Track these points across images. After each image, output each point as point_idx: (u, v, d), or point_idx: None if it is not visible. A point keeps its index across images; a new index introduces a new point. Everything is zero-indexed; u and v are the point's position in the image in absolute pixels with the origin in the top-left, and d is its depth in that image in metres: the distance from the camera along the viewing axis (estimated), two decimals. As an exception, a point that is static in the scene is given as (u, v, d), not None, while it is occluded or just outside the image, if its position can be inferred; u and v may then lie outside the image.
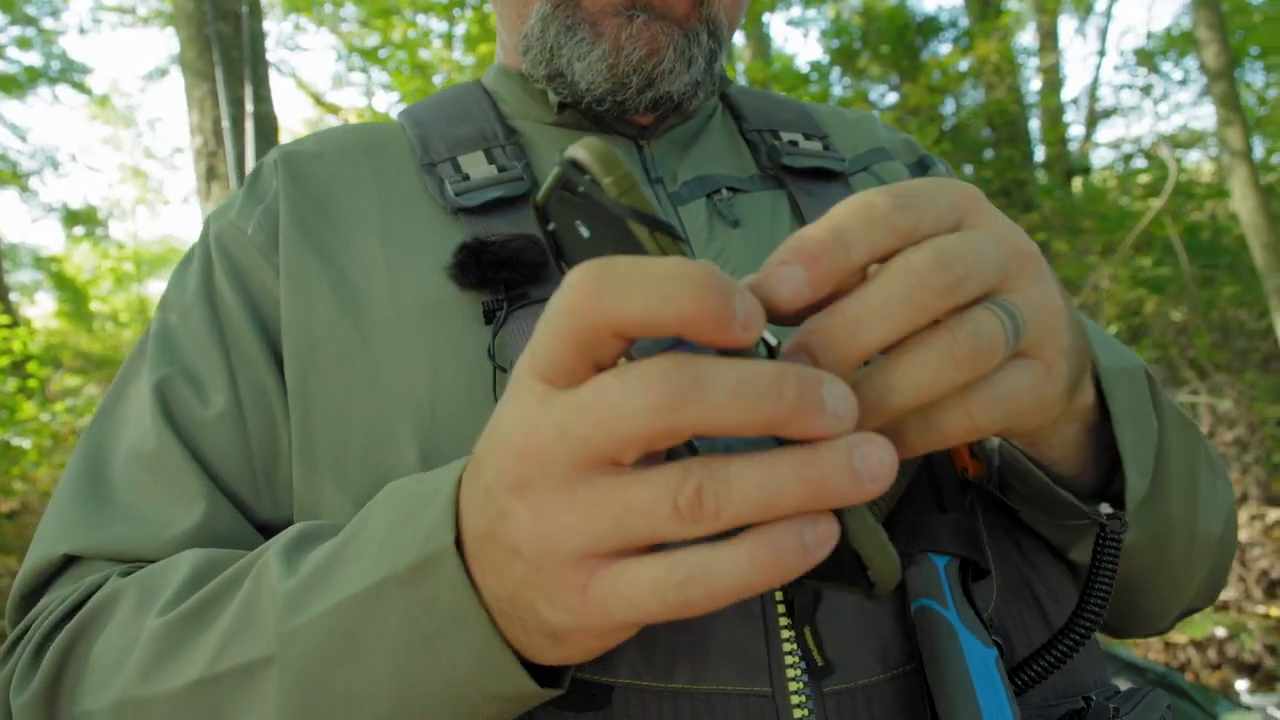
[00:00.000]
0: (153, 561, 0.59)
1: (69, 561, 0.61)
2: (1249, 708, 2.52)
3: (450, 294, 0.62)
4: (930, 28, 8.78)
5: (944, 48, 8.84)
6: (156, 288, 14.93)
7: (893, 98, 8.89)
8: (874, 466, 0.30)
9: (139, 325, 11.70)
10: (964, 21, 8.53)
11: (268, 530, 0.62)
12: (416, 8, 8.79)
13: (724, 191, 0.71)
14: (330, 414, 0.61)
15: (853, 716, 0.49)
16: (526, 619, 0.38)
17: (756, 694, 0.49)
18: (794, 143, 0.76)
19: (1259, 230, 4.03)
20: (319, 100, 11.76)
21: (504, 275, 0.60)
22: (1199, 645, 3.67)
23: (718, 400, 0.30)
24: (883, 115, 8.37)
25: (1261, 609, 3.86)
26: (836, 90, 9.24)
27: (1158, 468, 0.55)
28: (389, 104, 11.90)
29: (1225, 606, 3.85)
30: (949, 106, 8.06)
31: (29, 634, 0.58)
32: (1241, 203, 4.07)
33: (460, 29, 8.30)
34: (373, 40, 10.07)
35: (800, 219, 0.72)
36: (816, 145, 0.77)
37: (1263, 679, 3.48)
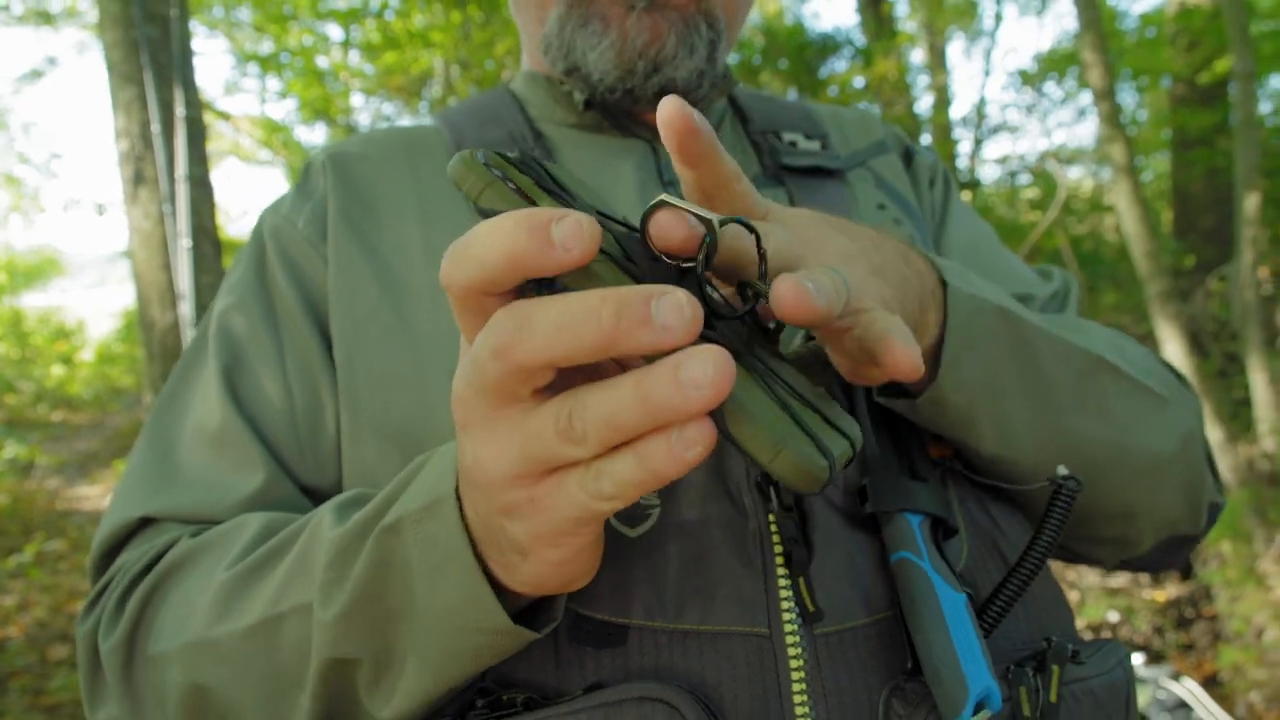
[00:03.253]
0: (219, 523, 0.62)
1: (144, 523, 0.67)
2: (1143, 680, 2.69)
3: None
4: (828, 46, 9.05)
5: (841, 64, 9.13)
6: (34, 300, 14.15)
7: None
8: (697, 376, 0.32)
9: (13, 341, 11.08)
10: (860, 40, 8.83)
11: (313, 495, 0.67)
12: (316, 15, 8.62)
13: None
14: (375, 388, 0.66)
15: (841, 655, 0.55)
16: (499, 539, 0.43)
17: (757, 634, 0.54)
18: (794, 143, 0.81)
19: (1140, 240, 4.29)
20: (209, 107, 11.40)
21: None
22: (1095, 628, 3.88)
23: (541, 335, 0.34)
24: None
25: (1148, 594, 4.11)
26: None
27: (1037, 378, 0.62)
28: (286, 112, 11.60)
29: (1117, 592, 4.07)
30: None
31: (111, 585, 0.64)
32: (1126, 213, 4.32)
33: (386, 33, 8.17)
34: (268, 46, 9.82)
35: None
36: (815, 145, 0.82)
37: (1153, 657, 3.71)
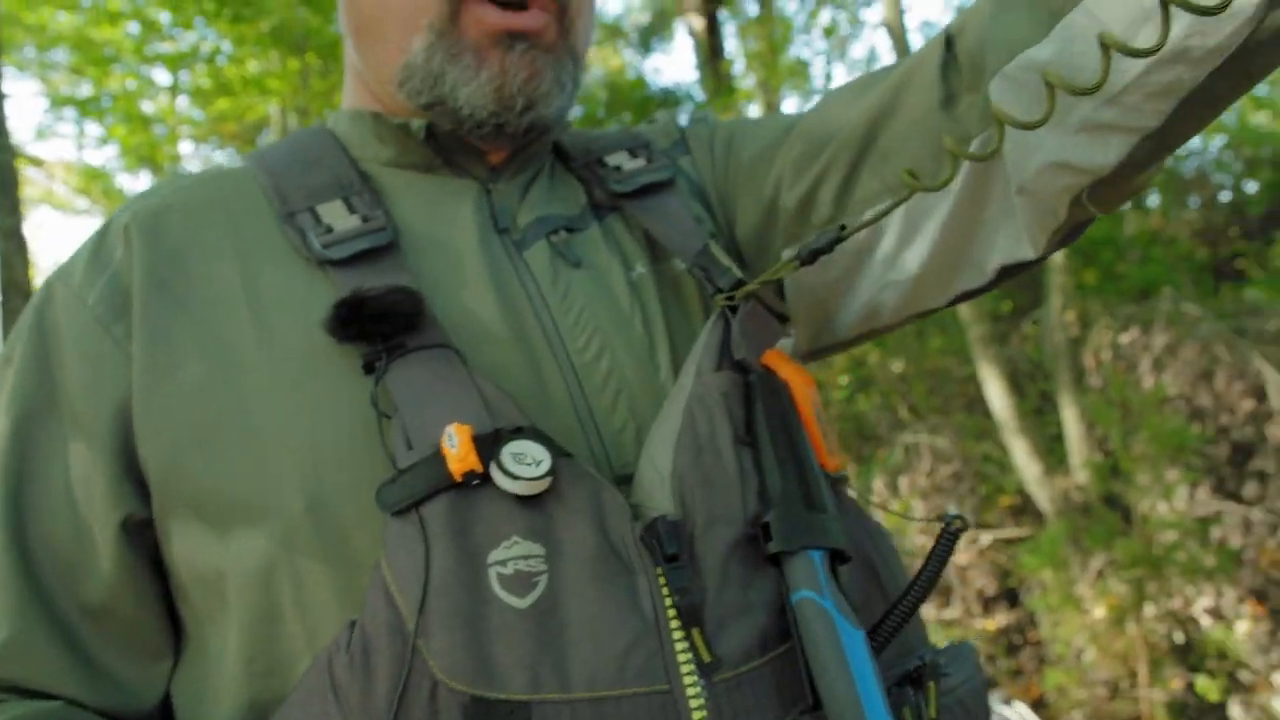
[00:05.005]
0: None
1: None
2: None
3: (325, 346, 0.63)
4: (669, 100, 9.32)
5: (683, 118, 9.41)
6: None
7: (637, 165, 9.30)
8: None
9: None
10: (700, 95, 9.13)
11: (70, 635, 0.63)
12: (141, 59, 8.24)
13: (561, 232, 0.75)
14: (209, 470, 0.61)
15: (741, 699, 0.55)
16: None
17: (658, 692, 0.53)
18: (618, 167, 0.81)
19: (961, 288, 4.56)
20: (20, 153, 10.68)
21: (382, 327, 0.61)
22: (934, 662, 4.05)
23: None
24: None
25: (980, 623, 4.32)
26: (583, 156, 9.53)
27: None
28: (107, 158, 11.00)
29: (952, 623, 4.26)
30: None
31: None
32: (946, 264, 4.60)
33: (218, 78, 7.86)
34: (87, 89, 9.31)
35: (643, 238, 0.77)
36: (640, 161, 0.81)
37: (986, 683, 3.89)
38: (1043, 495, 4.33)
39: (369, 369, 0.62)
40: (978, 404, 5.50)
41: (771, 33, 10.24)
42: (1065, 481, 4.43)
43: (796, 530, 0.59)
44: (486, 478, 0.57)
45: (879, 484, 4.90)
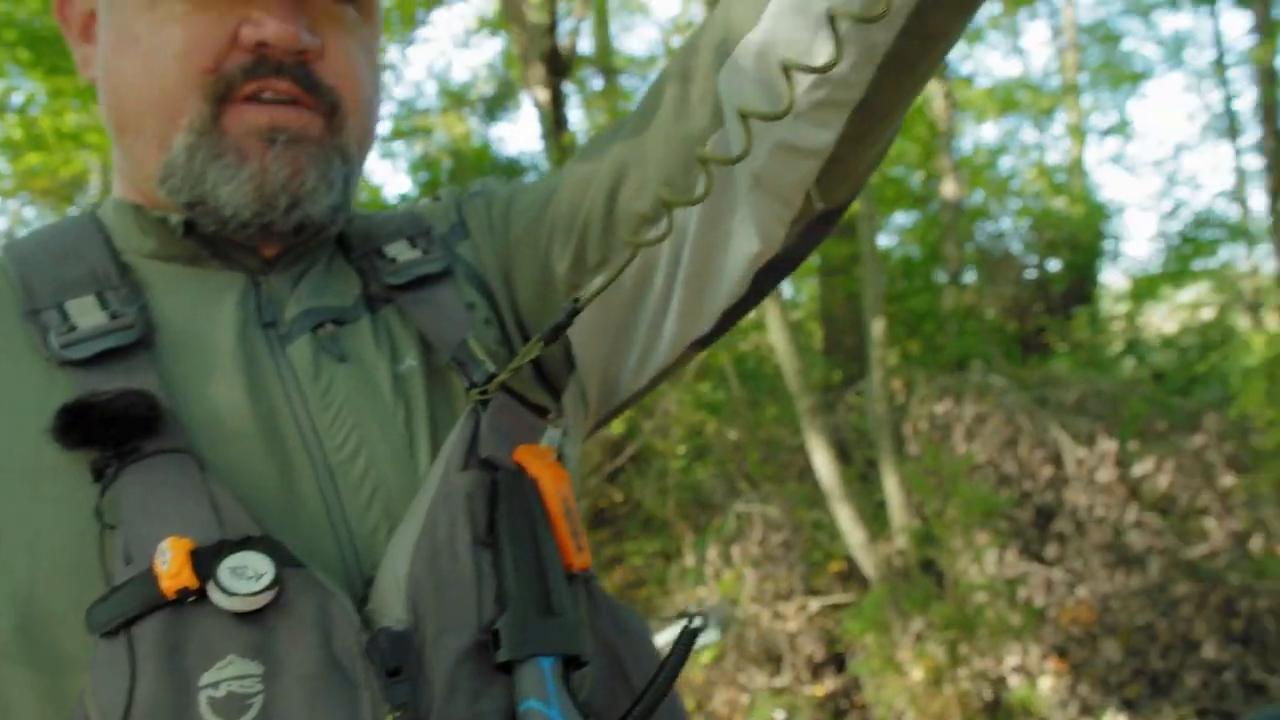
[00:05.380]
0: None
1: None
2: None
3: (53, 453, 0.60)
4: (514, 169, 9.39)
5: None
6: None
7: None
8: None
9: None
10: (545, 166, 9.24)
11: None
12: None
13: (329, 325, 0.74)
14: None
15: None
16: None
17: None
18: (395, 259, 0.80)
19: (790, 360, 4.74)
20: None
21: (112, 432, 0.59)
22: (764, 729, 4.10)
23: None
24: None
25: (809, 690, 4.41)
26: (427, 222, 9.46)
27: None
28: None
29: (782, 691, 4.34)
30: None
31: None
32: (777, 337, 4.78)
33: (30, 130, 7.38)
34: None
35: (416, 331, 0.76)
36: (417, 252, 0.81)
37: (816, 752, 3.96)
38: (867, 561, 4.49)
39: (98, 476, 0.59)
40: (808, 472, 5.69)
41: (615, 106, 10.52)
42: (887, 547, 4.61)
43: (527, 637, 0.59)
44: (204, 594, 0.55)
45: (713, 553, 4.97)
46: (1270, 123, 8.70)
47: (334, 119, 0.74)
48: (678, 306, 0.75)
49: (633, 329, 0.79)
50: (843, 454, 5.80)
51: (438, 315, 0.77)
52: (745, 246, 0.70)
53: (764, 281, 0.73)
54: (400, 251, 0.81)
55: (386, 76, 7.95)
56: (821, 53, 0.55)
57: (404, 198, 9.64)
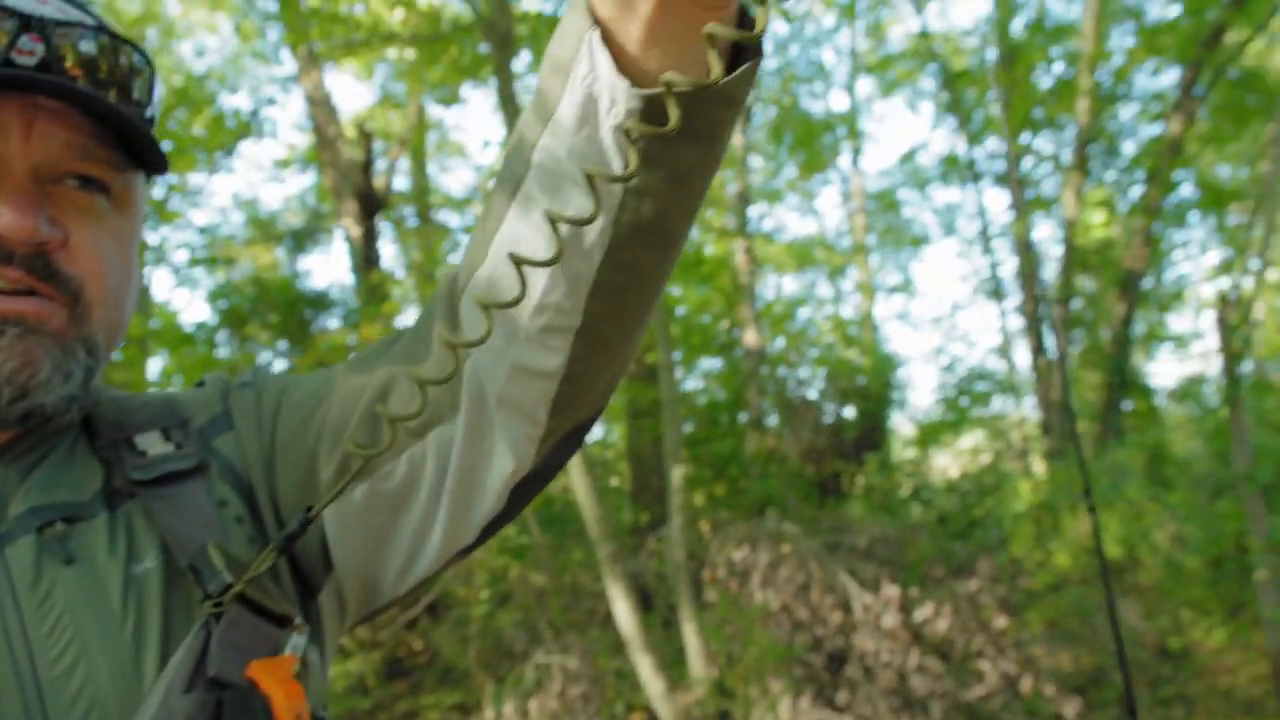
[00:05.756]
0: None
1: None
2: None
3: None
4: (321, 303, 9.19)
5: (334, 322, 9.28)
6: None
7: (282, 364, 8.99)
8: None
9: None
10: (354, 301, 9.09)
11: None
12: None
13: (58, 524, 0.70)
14: None
15: None
16: None
17: None
18: (144, 452, 0.77)
19: (590, 505, 4.74)
20: None
21: None
22: None
23: None
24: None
25: None
26: (223, 352, 9.09)
27: None
28: None
29: None
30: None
31: None
32: (578, 482, 4.78)
33: None
34: None
35: (155, 528, 0.72)
36: (170, 446, 0.78)
37: None
38: (666, 712, 4.44)
39: None
40: (610, 620, 5.64)
41: (430, 243, 10.58)
42: (686, 697, 4.58)
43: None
44: None
45: (509, 709, 4.79)
46: (1029, 288, 9.72)
47: (77, 309, 0.72)
48: (444, 518, 0.75)
49: (397, 536, 0.78)
50: (645, 600, 5.79)
51: (182, 516, 0.74)
52: (502, 464, 0.72)
53: (519, 496, 0.75)
54: (152, 443, 0.78)
55: (187, 204, 7.71)
56: (532, 291, 0.61)
57: (201, 326, 9.22)
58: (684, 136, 0.48)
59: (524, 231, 0.62)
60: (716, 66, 0.47)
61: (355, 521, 0.76)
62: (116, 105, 0.72)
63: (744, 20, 0.55)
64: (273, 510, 0.81)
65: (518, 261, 0.54)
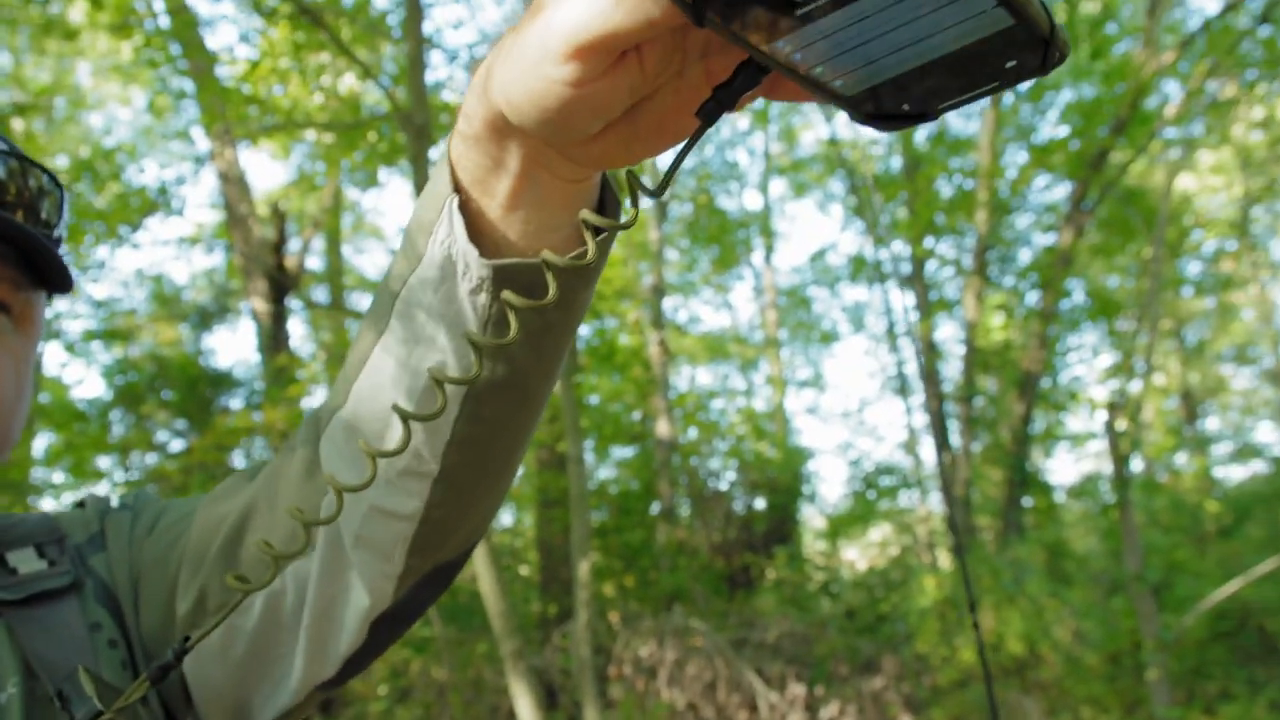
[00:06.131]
0: None
1: None
2: None
3: None
4: (224, 382, 8.93)
5: (237, 402, 9.01)
6: None
7: (179, 444, 8.67)
8: None
9: None
10: (260, 383, 8.86)
11: None
12: None
13: None
14: None
15: None
16: None
17: None
18: (15, 569, 0.75)
19: (494, 599, 4.63)
20: None
21: None
22: None
23: None
24: (164, 463, 8.06)
25: None
26: (117, 429, 8.73)
27: None
28: None
29: None
30: (237, 460, 8.11)
31: None
32: (482, 575, 4.67)
33: None
34: None
35: (19, 651, 0.70)
36: (43, 564, 0.76)
37: None
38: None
39: None
40: (515, 717, 5.45)
41: (341, 324, 10.42)
42: (588, 802, 4.43)
43: None
44: None
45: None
46: (932, 386, 10.01)
47: None
48: (302, 652, 0.74)
49: (257, 670, 0.77)
50: (550, 697, 5.63)
51: (51, 638, 0.71)
52: (358, 601, 0.71)
53: (382, 633, 0.73)
54: (24, 561, 0.76)
55: (87, 278, 7.47)
56: (392, 438, 0.61)
57: (93, 402, 8.86)
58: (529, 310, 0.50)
59: (384, 377, 0.63)
60: (592, 248, 0.48)
61: (213, 656, 0.74)
62: (22, 227, 0.71)
63: (605, 190, 0.57)
64: (139, 637, 0.79)
65: (403, 415, 0.55)
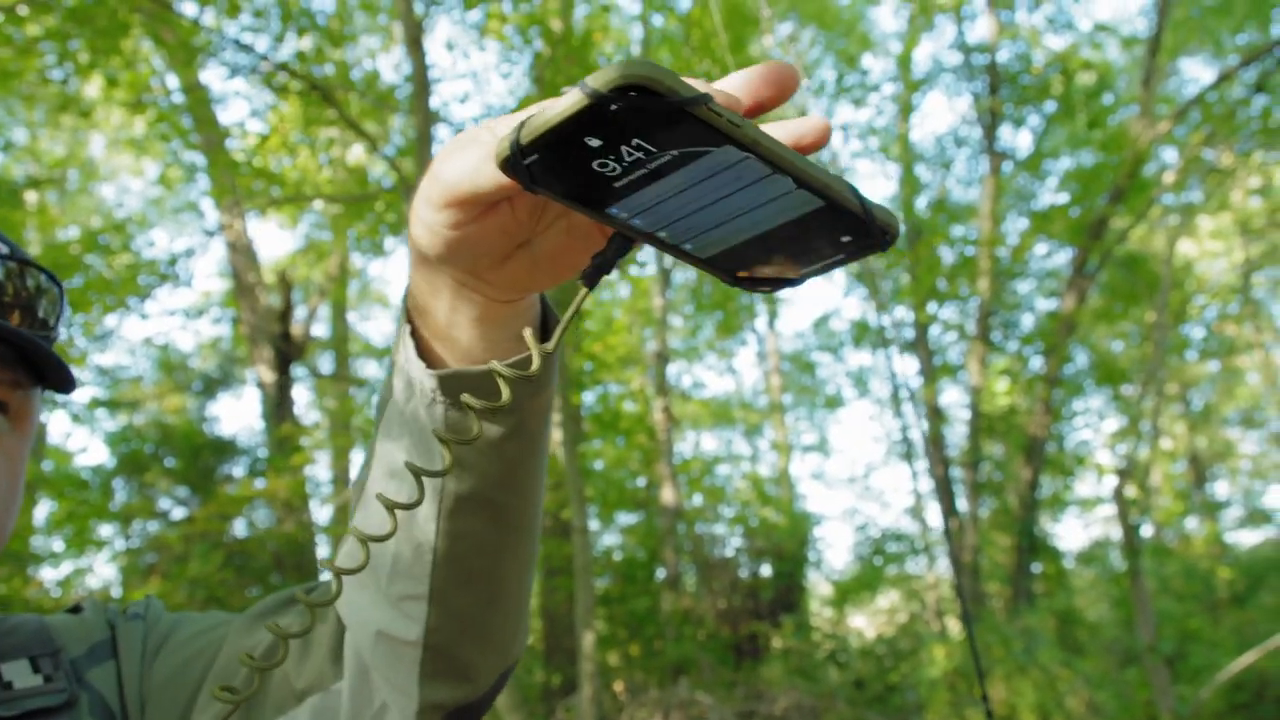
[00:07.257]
0: None
1: None
2: None
3: None
4: (227, 449, 8.91)
5: (240, 470, 8.99)
6: None
7: (181, 512, 8.63)
8: None
9: None
10: (263, 451, 8.84)
11: None
12: None
13: None
14: None
15: None
16: None
17: None
18: (9, 684, 0.74)
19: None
20: None
21: None
22: None
23: None
24: (166, 531, 8.00)
25: None
26: (120, 497, 8.70)
27: None
28: None
29: None
30: (239, 529, 8.06)
31: None
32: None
33: None
34: None
35: None
36: (38, 679, 0.75)
37: None
38: None
39: None
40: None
41: (347, 391, 10.43)
42: None
43: None
44: None
45: None
46: (937, 450, 9.96)
47: None
48: None
49: None
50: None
51: None
52: None
53: None
54: (19, 674, 0.75)
55: (94, 347, 7.51)
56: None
57: (96, 470, 8.83)
58: (482, 414, 0.52)
59: (380, 473, 0.65)
60: (536, 358, 0.51)
61: None
62: (18, 329, 0.72)
63: (544, 305, 0.61)
64: None
65: (386, 504, 0.56)
